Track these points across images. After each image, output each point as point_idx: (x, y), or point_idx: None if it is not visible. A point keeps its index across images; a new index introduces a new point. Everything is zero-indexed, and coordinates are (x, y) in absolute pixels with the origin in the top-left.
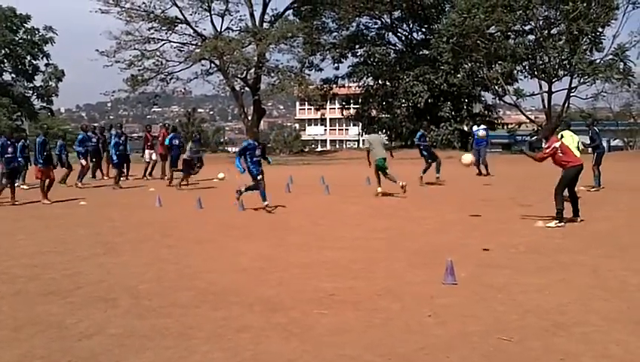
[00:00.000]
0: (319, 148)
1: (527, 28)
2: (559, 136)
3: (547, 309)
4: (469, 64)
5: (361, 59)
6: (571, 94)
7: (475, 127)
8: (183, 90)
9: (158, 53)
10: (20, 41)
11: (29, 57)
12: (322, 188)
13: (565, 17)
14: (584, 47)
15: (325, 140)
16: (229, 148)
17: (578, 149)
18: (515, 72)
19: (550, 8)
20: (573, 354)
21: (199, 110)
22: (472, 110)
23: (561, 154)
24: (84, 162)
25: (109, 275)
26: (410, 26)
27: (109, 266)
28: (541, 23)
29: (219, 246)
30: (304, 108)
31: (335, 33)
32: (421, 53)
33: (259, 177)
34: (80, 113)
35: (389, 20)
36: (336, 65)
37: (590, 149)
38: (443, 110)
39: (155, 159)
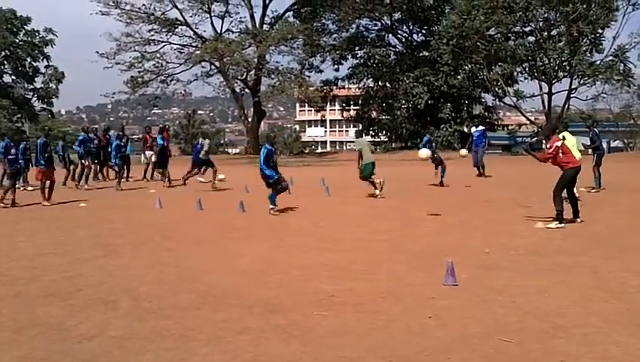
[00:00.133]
0: (319, 150)
1: (527, 29)
2: (561, 136)
3: (547, 311)
4: (469, 65)
5: (361, 60)
6: (571, 95)
7: (473, 128)
8: (183, 92)
9: (158, 55)
10: (21, 43)
11: (29, 59)
12: (322, 189)
13: (565, 19)
14: (584, 49)
15: (325, 142)
16: (229, 150)
17: (579, 150)
18: (515, 73)
19: (550, 10)
20: (574, 355)
21: (199, 112)
22: (472, 111)
23: (561, 155)
24: (85, 163)
25: (109, 277)
26: (410, 27)
27: (110, 268)
28: (541, 24)
29: (219, 248)
30: (304, 110)
31: (335, 35)
32: (421, 54)
33: (276, 179)
34: (80, 115)
35: (389, 22)
36: (336, 66)
37: (590, 150)
38: (443, 111)
39: (155, 161)
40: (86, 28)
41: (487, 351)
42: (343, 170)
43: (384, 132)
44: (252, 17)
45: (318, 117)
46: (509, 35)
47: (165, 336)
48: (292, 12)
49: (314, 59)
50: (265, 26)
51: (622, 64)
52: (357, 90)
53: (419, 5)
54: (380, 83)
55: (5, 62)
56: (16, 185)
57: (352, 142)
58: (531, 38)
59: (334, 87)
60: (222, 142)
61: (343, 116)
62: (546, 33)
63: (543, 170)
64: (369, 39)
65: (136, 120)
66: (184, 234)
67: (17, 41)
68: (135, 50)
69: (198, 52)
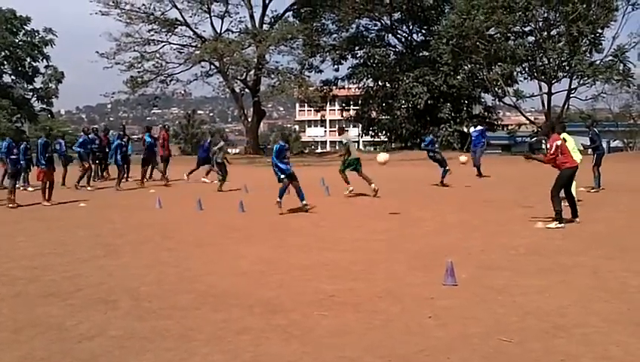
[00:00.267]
0: (319, 150)
1: (526, 29)
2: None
3: (547, 311)
4: (469, 65)
5: (361, 60)
6: (571, 95)
7: (472, 128)
8: (182, 92)
9: (157, 55)
10: (20, 43)
11: (29, 59)
12: (322, 189)
13: (565, 19)
14: (584, 49)
15: (325, 141)
16: (229, 150)
17: (580, 151)
18: (515, 73)
19: (550, 10)
20: (574, 355)
21: (199, 112)
22: (472, 111)
23: (560, 155)
24: (86, 164)
25: (109, 277)
26: (410, 27)
27: (110, 268)
28: (541, 24)
29: (219, 248)
30: (304, 110)
31: (335, 35)
32: (421, 54)
33: (288, 175)
34: (80, 115)
35: (388, 22)
36: (336, 66)
37: (590, 150)
38: (443, 111)
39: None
40: (86, 28)
41: (487, 350)
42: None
43: (384, 132)
44: (252, 17)
45: (318, 117)
46: (509, 34)
47: (165, 336)
48: (292, 12)
49: (314, 59)
50: (265, 26)
51: (621, 64)
52: (357, 90)
53: (418, 5)
54: (379, 83)
55: (5, 62)
56: (16, 185)
57: (356, 142)
58: (531, 38)
59: (334, 87)
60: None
61: (342, 116)
62: (545, 33)
63: (542, 171)
64: (369, 39)
65: (135, 120)
66: (184, 235)
67: (17, 41)
68: (135, 50)
69: (197, 52)
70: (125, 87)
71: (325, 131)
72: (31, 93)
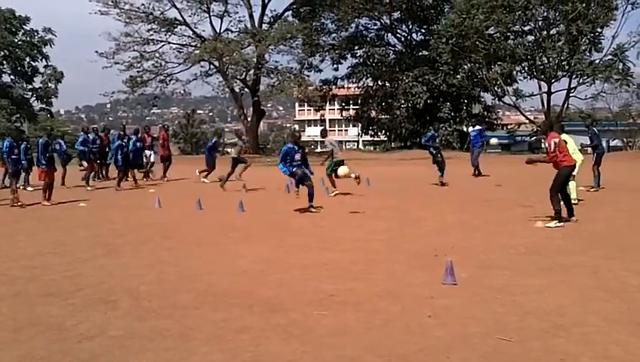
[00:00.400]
0: (319, 149)
1: (526, 28)
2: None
3: (547, 310)
4: (469, 65)
5: (361, 60)
6: (570, 95)
7: (470, 128)
8: (182, 92)
9: (157, 55)
10: (19, 42)
11: (28, 59)
12: (322, 189)
13: (564, 18)
14: (583, 48)
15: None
16: (228, 150)
17: (580, 151)
18: (515, 72)
19: (549, 9)
20: (573, 354)
21: (198, 111)
22: (472, 111)
23: (558, 153)
24: (85, 163)
25: (109, 277)
26: (410, 26)
27: (110, 268)
28: (540, 23)
29: (219, 248)
30: (303, 109)
31: (334, 34)
32: (420, 53)
33: (290, 173)
34: (79, 115)
35: (388, 21)
36: (335, 66)
37: (590, 149)
38: (442, 111)
39: (152, 161)
40: (85, 27)
41: (486, 350)
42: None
43: (383, 131)
44: (251, 17)
45: (318, 116)
46: (509, 34)
47: (165, 336)
48: (291, 11)
49: (313, 58)
50: (264, 26)
51: (621, 63)
52: (356, 89)
53: (418, 4)
54: (379, 82)
55: (4, 62)
56: (17, 185)
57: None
58: (530, 37)
59: (333, 87)
60: (221, 141)
61: (342, 116)
62: (545, 32)
63: (542, 170)
64: (368, 38)
65: (135, 119)
66: (184, 234)
67: (16, 40)
68: (134, 50)
69: (197, 51)
70: (125, 87)
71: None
72: (30, 93)
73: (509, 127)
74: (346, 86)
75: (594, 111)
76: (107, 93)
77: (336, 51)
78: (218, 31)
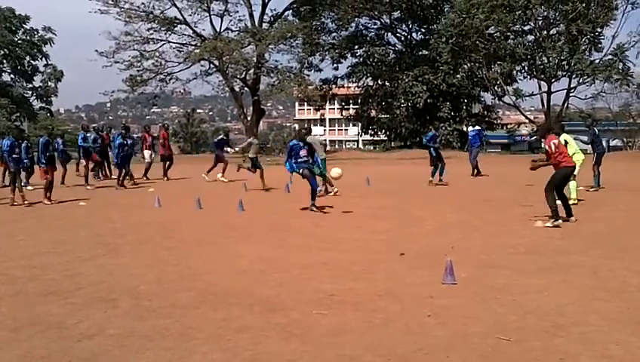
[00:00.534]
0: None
1: (526, 28)
2: (563, 141)
3: (547, 310)
4: (469, 64)
5: (361, 59)
6: (570, 94)
7: (470, 128)
8: (182, 91)
9: (157, 54)
10: (19, 41)
11: (28, 58)
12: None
13: (564, 18)
14: (583, 48)
15: (325, 140)
16: (228, 149)
17: (580, 150)
18: (515, 72)
19: (549, 8)
20: (573, 354)
21: (198, 111)
22: (472, 110)
23: (558, 154)
24: (84, 162)
25: (109, 276)
26: (410, 26)
27: (110, 267)
28: (540, 23)
29: (218, 247)
30: (303, 109)
31: (334, 33)
32: (420, 53)
33: (294, 173)
34: (79, 114)
35: (388, 21)
36: (335, 65)
37: (590, 149)
38: (442, 110)
39: (150, 161)
40: (85, 26)
41: (486, 349)
42: (342, 169)
43: (383, 131)
44: (251, 16)
45: (318, 116)
46: (509, 33)
47: (165, 335)
48: (291, 11)
49: (313, 57)
50: (264, 25)
51: (621, 63)
52: (356, 88)
53: (418, 4)
54: (379, 82)
55: (4, 61)
56: (16, 184)
57: (356, 141)
58: (531, 37)
59: (333, 86)
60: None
61: (342, 115)
62: (545, 32)
63: (542, 170)
64: (368, 38)
65: (135, 119)
66: (184, 233)
67: (16, 39)
68: (134, 49)
69: (197, 51)
70: (125, 86)
71: (325, 130)
72: (30, 92)
73: (508, 126)
74: (345, 85)
75: (594, 111)
76: (107, 92)
77: (336, 51)
78: (218, 30)
